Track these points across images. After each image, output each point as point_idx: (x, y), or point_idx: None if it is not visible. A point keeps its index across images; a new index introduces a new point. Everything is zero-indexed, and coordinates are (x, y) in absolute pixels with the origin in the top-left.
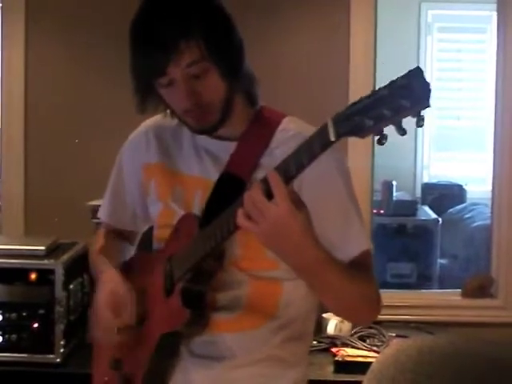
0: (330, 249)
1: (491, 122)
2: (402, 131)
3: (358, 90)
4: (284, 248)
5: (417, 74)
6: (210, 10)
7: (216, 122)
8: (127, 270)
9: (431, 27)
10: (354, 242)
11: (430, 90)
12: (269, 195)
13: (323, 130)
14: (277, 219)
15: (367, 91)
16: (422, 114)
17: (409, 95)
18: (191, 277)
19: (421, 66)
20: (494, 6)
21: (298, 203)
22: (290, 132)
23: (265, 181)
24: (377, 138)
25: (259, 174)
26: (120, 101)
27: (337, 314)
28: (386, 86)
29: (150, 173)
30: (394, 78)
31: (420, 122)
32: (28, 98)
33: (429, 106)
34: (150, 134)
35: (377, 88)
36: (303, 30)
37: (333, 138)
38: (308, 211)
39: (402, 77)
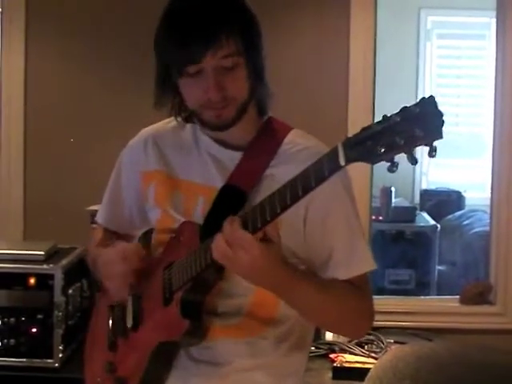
0: (334, 266)
1: (490, 129)
2: (414, 160)
3: (357, 96)
4: (253, 280)
5: (430, 102)
6: (246, 9)
7: (233, 117)
8: None
9: (430, 34)
10: (360, 261)
11: (443, 121)
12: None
13: (333, 154)
14: (247, 265)
15: (366, 97)
16: (434, 144)
17: (422, 125)
18: (191, 287)
19: (420, 72)
20: (494, 12)
21: (268, 239)
22: (298, 146)
23: (243, 216)
24: (387, 165)
25: (263, 186)
26: (119, 106)
27: (324, 328)
28: (398, 113)
29: (149, 180)
30: (407, 105)
31: (432, 153)
32: (27, 104)
33: (442, 137)
34: (149, 141)
35: (387, 113)
36: (302, 35)
37: (343, 163)
38: (279, 242)
39: (415, 105)
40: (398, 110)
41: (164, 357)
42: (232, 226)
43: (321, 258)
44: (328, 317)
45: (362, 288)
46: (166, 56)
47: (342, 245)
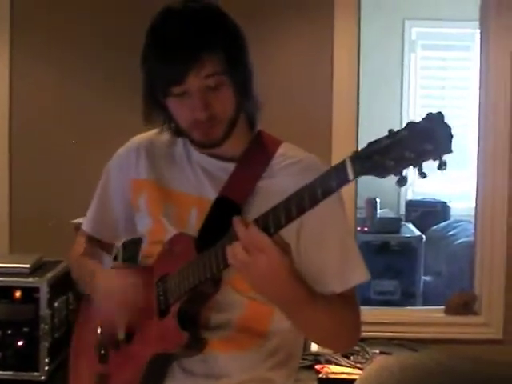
0: (327, 278)
1: (475, 140)
2: (423, 174)
3: (341, 107)
4: (269, 290)
5: (439, 118)
6: (230, 26)
7: (221, 136)
8: None
9: (415, 45)
10: (355, 272)
11: (451, 136)
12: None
13: (341, 168)
14: (264, 269)
15: (351, 108)
16: (443, 158)
17: (432, 139)
18: (188, 299)
19: (404, 83)
20: (478, 23)
21: (283, 247)
22: (290, 159)
23: (257, 222)
24: (396, 179)
25: (256, 198)
26: (107, 118)
27: (317, 343)
28: (405, 128)
29: (140, 188)
30: (415, 121)
31: (442, 166)
32: (13, 115)
33: (451, 151)
34: (140, 150)
35: (394, 129)
36: (286, 47)
37: (351, 177)
38: (291, 252)
39: (424, 120)
40: (404, 125)
41: (159, 368)
42: (248, 229)
43: (314, 271)
44: (325, 331)
45: (351, 299)
46: (151, 77)
47: (337, 257)
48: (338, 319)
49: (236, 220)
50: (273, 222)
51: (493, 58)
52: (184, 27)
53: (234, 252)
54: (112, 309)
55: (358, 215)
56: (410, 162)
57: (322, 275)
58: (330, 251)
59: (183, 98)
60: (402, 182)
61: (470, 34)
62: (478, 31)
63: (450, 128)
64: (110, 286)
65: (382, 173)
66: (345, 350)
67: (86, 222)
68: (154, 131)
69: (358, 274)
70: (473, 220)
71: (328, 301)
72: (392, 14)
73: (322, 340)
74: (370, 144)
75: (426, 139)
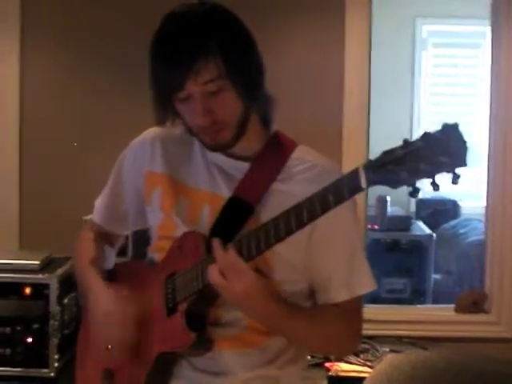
0: (336, 287)
1: (485, 138)
2: (437, 186)
3: (352, 105)
4: (245, 310)
5: (455, 129)
6: (230, 28)
7: (230, 140)
8: (115, 277)
9: (426, 42)
10: (362, 282)
11: (467, 148)
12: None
13: (354, 176)
14: (240, 293)
15: (362, 106)
16: (457, 171)
17: (447, 152)
18: (196, 299)
19: (415, 81)
20: (488, 21)
21: (261, 270)
22: (306, 163)
23: (237, 243)
24: (409, 190)
25: (270, 201)
26: (115, 115)
27: (314, 353)
28: (421, 139)
29: (154, 182)
30: (430, 131)
31: (455, 180)
32: (23, 112)
33: (466, 165)
34: (156, 143)
35: (411, 138)
36: (297, 44)
37: (364, 186)
38: (270, 278)
39: (439, 131)
40: (420, 136)
41: (165, 365)
42: (226, 254)
43: (321, 277)
44: (315, 345)
45: (354, 309)
46: (156, 82)
47: (344, 265)
48: (332, 334)
49: (215, 243)
50: (249, 247)
51: (504, 55)
52: (182, 33)
53: (212, 274)
54: (112, 334)
55: (369, 213)
56: (424, 173)
57: (327, 282)
58: (337, 259)
59: (189, 102)
60: (415, 193)
61: (481, 32)
62: (489, 29)
63: (465, 140)
64: (108, 310)
65: (394, 183)
66: (341, 356)
67: (95, 212)
68: (170, 127)
69: (364, 284)
70: (483, 218)
71: (314, 314)
72: (403, 11)
73: (314, 351)
74: (385, 153)
75: (442, 151)
